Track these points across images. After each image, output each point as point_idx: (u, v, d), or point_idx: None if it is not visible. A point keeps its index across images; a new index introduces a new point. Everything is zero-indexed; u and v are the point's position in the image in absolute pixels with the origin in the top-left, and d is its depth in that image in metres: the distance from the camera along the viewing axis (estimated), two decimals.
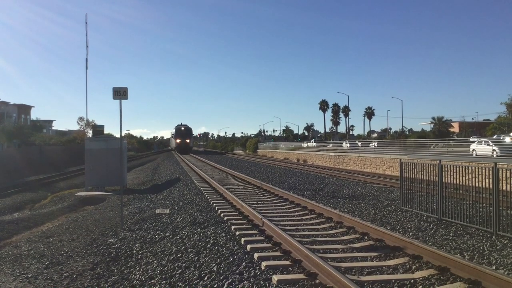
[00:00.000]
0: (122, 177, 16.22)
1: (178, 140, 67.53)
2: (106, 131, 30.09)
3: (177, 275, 6.17)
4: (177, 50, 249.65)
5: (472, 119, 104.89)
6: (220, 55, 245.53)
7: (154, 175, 26.71)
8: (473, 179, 9.82)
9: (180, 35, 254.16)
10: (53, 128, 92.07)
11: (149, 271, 6.49)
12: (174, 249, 7.65)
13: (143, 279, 6.17)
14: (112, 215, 12.45)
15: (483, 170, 9.44)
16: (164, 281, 5.95)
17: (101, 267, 7.03)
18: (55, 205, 16.24)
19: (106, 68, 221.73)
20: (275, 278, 5.76)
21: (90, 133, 57.85)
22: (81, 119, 75.84)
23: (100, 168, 18.36)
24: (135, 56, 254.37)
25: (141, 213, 12.18)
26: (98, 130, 28.81)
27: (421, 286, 5.53)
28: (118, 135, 12.04)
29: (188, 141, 67.52)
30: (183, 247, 7.76)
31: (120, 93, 10.68)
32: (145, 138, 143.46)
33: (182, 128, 68.73)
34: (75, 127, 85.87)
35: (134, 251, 7.85)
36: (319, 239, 8.23)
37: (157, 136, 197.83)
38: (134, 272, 6.60)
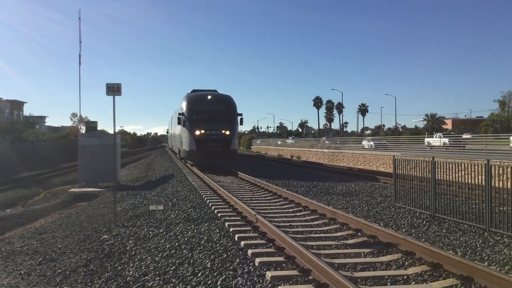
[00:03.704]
0: (116, 173, 16.14)
1: (197, 131, 22.63)
2: (99, 127, 29.94)
3: (170, 272, 6.16)
4: (172, 47, 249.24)
5: (465, 116, 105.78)
6: (214, 51, 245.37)
7: (147, 171, 26.62)
8: (466, 175, 9.88)
9: (175, 31, 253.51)
10: (46, 124, 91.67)
11: (142, 268, 6.48)
12: (167, 246, 7.63)
13: (137, 275, 6.16)
14: (105, 211, 12.40)
15: (476, 167, 9.50)
16: (157, 278, 5.94)
17: (95, 263, 7.01)
18: (48, 202, 16.14)
19: (100, 64, 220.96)
20: (268, 274, 5.77)
21: (83, 129, 57.57)
22: (74, 115, 75.70)
23: (94, 164, 18.28)
24: (130, 52, 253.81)
25: (135, 209, 12.14)
26: (91, 126, 28.73)
27: (414, 282, 5.56)
28: (111, 131, 12.06)
29: (227, 132, 23.01)
30: (176, 244, 7.75)
31: (113, 89, 10.63)
32: (138, 134, 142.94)
33: (209, 97, 24.12)
34: (68, 123, 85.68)
35: (128, 248, 7.83)
36: (312, 235, 8.25)
37: (150, 133, 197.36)
38: (127, 268, 6.58)
